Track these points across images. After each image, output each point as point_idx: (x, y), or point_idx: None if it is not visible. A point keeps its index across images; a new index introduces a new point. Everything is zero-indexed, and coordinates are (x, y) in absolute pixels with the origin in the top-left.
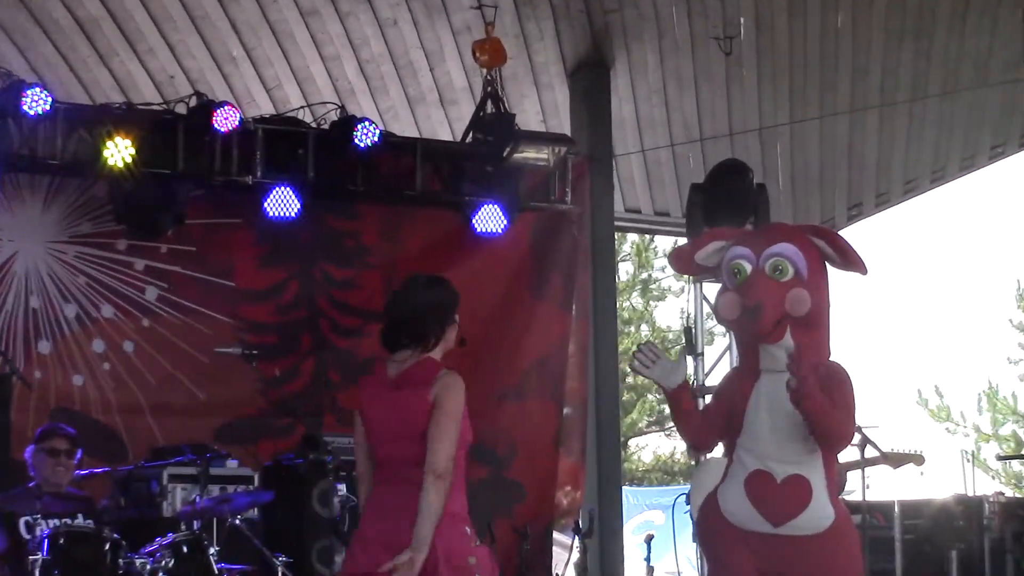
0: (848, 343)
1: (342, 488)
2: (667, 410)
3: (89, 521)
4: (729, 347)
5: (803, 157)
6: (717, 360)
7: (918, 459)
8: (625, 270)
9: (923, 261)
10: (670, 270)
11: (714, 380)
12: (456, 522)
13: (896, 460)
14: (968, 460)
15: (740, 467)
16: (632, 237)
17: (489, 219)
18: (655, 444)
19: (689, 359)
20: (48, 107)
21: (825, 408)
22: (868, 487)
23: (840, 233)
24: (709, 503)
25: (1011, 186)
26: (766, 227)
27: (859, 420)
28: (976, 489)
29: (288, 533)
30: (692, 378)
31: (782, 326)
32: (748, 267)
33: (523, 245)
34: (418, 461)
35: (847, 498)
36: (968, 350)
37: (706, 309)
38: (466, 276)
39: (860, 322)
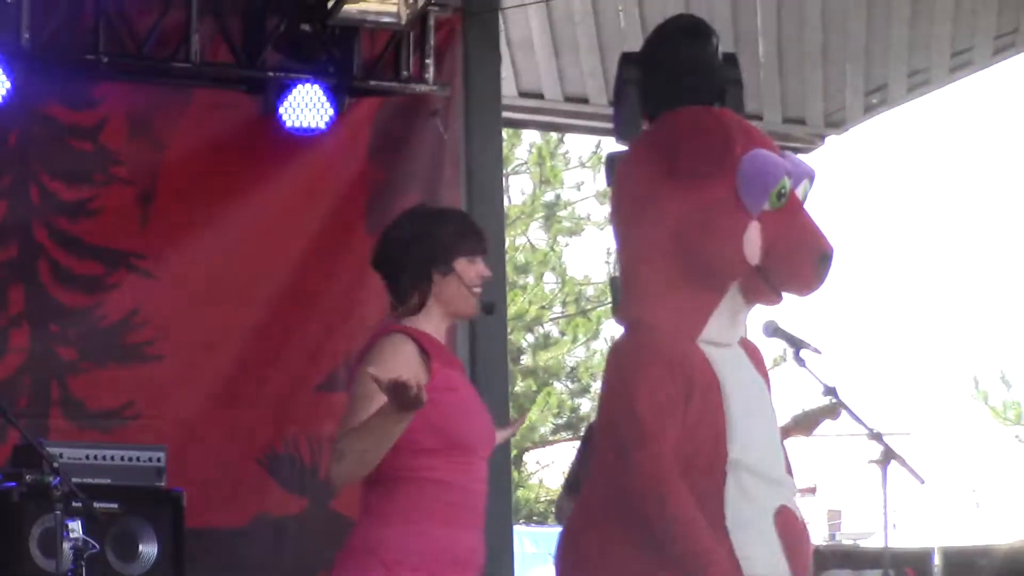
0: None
1: (76, 527)
2: (583, 407)
3: None
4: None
5: (796, 10)
6: None
7: (830, 411)
8: (520, 188)
9: (980, 178)
10: (588, 187)
11: None
12: (360, 558)
13: (806, 425)
14: None
15: (752, 502)
16: (531, 135)
17: (306, 108)
18: (566, 459)
19: (616, 327)
20: None
21: None
22: (894, 527)
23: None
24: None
25: None
26: (742, 120)
27: (880, 425)
28: None
29: None
30: None
31: None
32: (789, 188)
33: (359, 149)
34: None
35: (863, 545)
36: None
37: None
38: (268, 198)
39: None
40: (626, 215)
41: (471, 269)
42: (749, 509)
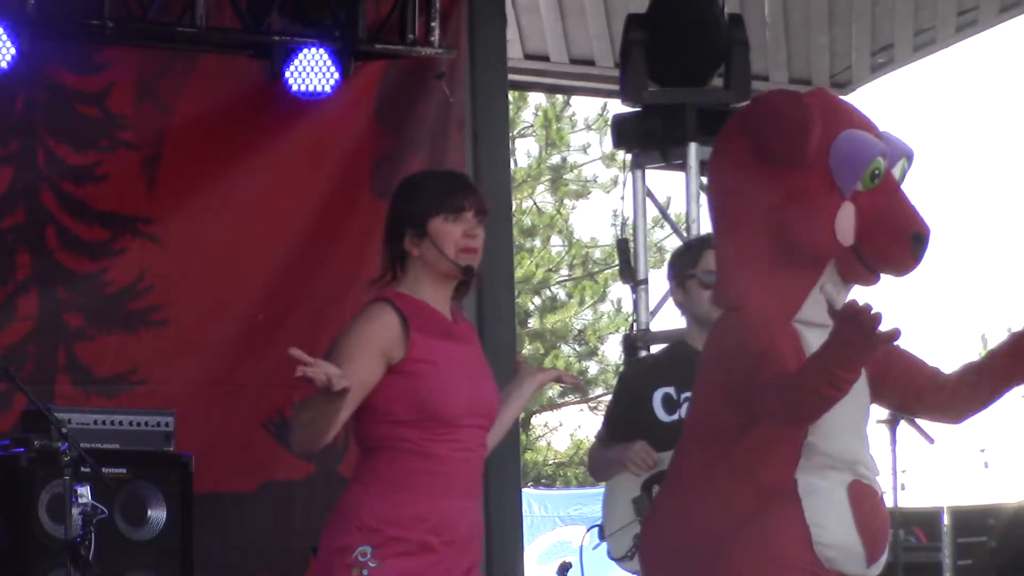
0: None
1: (85, 492)
2: (591, 369)
3: None
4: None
5: None
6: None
7: None
8: (526, 151)
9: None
10: (594, 150)
11: (665, 323)
12: (340, 520)
13: None
14: None
15: (825, 479)
16: (536, 98)
17: (311, 72)
18: (574, 422)
19: (625, 290)
20: None
21: None
22: (903, 487)
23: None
24: (773, 528)
25: None
26: (834, 98)
27: None
28: None
29: (1, 560)
30: (631, 319)
31: None
32: (884, 168)
33: (364, 113)
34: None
35: None
36: None
37: (651, 210)
38: (275, 162)
39: None
40: (720, 196)
41: (451, 229)
42: (821, 483)
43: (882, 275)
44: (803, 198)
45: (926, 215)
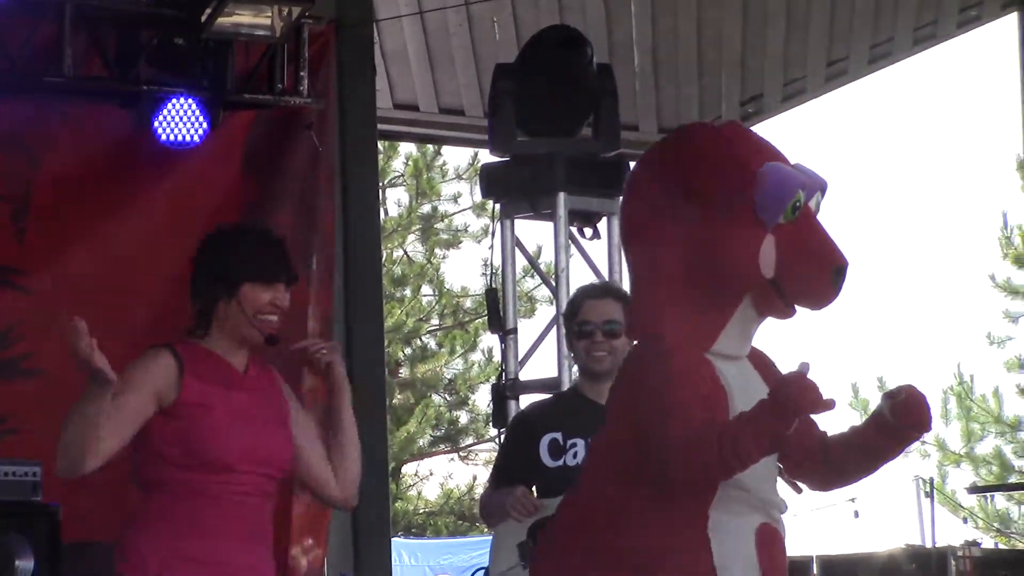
0: None
1: None
2: (461, 419)
3: None
4: (556, 321)
5: (671, 21)
6: (538, 339)
7: None
8: (396, 200)
9: (855, 186)
10: (465, 200)
11: (535, 371)
12: (117, 557)
13: None
14: (927, 493)
15: (737, 517)
16: (407, 148)
17: (179, 121)
18: (444, 471)
19: (494, 339)
20: None
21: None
22: None
23: None
24: (679, 570)
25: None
26: (752, 134)
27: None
28: (938, 537)
29: None
30: (500, 368)
31: None
32: (803, 201)
33: (232, 162)
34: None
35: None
36: (929, 324)
37: (519, 261)
38: (144, 212)
39: None
40: (637, 229)
41: (259, 296)
42: (731, 521)
43: (797, 308)
44: (726, 229)
45: (844, 247)
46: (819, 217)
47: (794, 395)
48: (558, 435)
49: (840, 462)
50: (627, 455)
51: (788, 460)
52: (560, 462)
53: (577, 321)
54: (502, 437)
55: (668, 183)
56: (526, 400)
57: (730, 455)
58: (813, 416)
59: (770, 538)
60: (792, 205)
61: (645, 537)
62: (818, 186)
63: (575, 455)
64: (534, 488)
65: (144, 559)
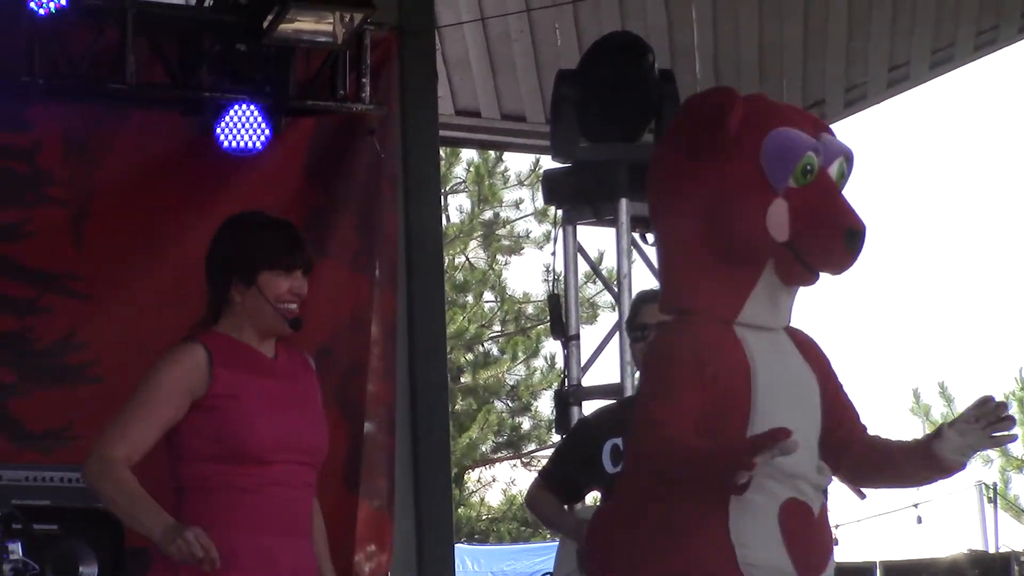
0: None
1: (16, 549)
2: (524, 425)
3: None
4: (618, 327)
5: (732, 26)
6: (600, 345)
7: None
8: (458, 206)
9: (919, 190)
10: (527, 206)
11: (598, 377)
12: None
13: None
14: (989, 499)
15: (760, 492)
16: (468, 154)
17: (241, 128)
18: (507, 477)
19: (557, 346)
20: None
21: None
22: (836, 542)
23: None
24: (697, 547)
25: None
26: (762, 96)
27: None
28: (1001, 542)
29: None
30: (563, 375)
31: None
32: (817, 165)
33: (295, 169)
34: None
35: None
36: (991, 329)
37: (582, 267)
38: (205, 219)
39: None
40: (658, 200)
41: (278, 284)
42: (754, 498)
43: (821, 274)
44: (735, 194)
45: (863, 213)
46: (845, 186)
47: (737, 453)
48: (619, 441)
49: (877, 469)
50: None
51: (823, 447)
52: (620, 468)
53: (635, 325)
54: (567, 435)
55: (682, 151)
56: (589, 406)
57: (681, 477)
58: (857, 410)
59: (797, 514)
60: (802, 168)
61: (670, 517)
62: (839, 153)
63: None
64: (594, 493)
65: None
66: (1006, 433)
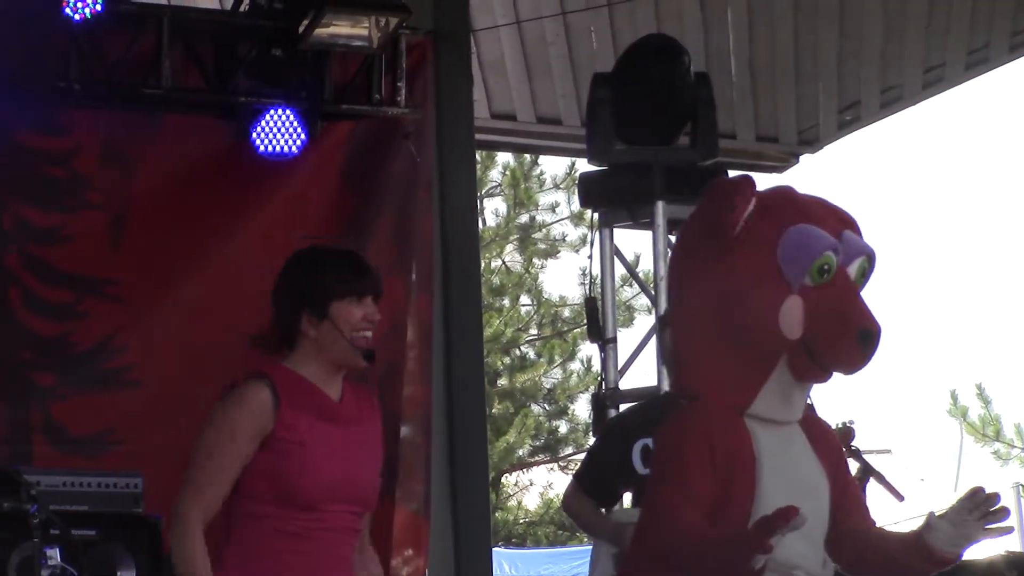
0: None
1: (54, 554)
2: (561, 428)
3: None
4: (655, 330)
5: (768, 30)
6: (637, 348)
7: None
8: (494, 210)
9: (957, 193)
10: (563, 209)
11: (634, 381)
12: None
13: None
14: None
15: None
16: (504, 158)
17: (278, 132)
18: (544, 481)
19: (593, 349)
20: None
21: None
22: None
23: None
24: None
25: None
26: (789, 189)
27: (859, 442)
28: None
29: None
30: (600, 378)
31: None
32: (835, 264)
33: (331, 173)
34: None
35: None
36: None
37: (619, 269)
38: (242, 223)
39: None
40: (676, 281)
41: (352, 312)
42: None
43: (833, 373)
44: (750, 288)
45: (879, 312)
46: (865, 285)
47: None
48: (649, 441)
49: (872, 560)
50: None
51: (829, 541)
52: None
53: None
54: (599, 436)
55: (704, 235)
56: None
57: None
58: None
59: None
60: (819, 267)
61: None
62: (860, 253)
63: None
64: (626, 495)
65: None
66: (1001, 525)
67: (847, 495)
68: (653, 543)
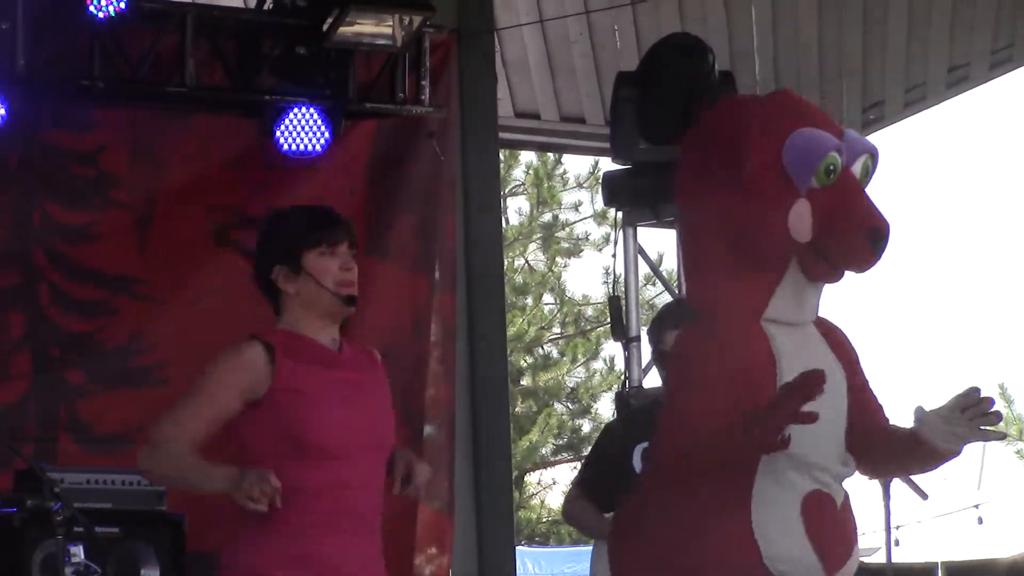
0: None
1: (78, 551)
2: (584, 427)
3: None
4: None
5: (792, 29)
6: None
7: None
8: (517, 209)
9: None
10: (586, 208)
11: (657, 379)
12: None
13: None
14: None
15: (782, 485)
16: (527, 157)
17: (302, 131)
18: (567, 479)
19: (617, 347)
20: None
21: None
22: (897, 543)
23: None
24: (721, 541)
25: None
26: (786, 93)
27: None
28: None
29: None
30: (624, 376)
31: None
32: (840, 164)
33: (356, 172)
34: None
35: (867, 561)
36: None
37: (642, 268)
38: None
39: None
40: (683, 200)
41: (327, 263)
42: (776, 491)
43: (845, 271)
44: (757, 196)
45: (887, 213)
46: (869, 183)
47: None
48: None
49: (888, 457)
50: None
51: (848, 438)
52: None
53: (659, 350)
54: (597, 440)
55: (707, 151)
56: None
57: (741, 443)
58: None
59: (821, 505)
60: (824, 168)
61: (693, 512)
62: (863, 151)
63: None
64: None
65: (240, 566)
66: (993, 429)
67: (864, 391)
68: (676, 445)
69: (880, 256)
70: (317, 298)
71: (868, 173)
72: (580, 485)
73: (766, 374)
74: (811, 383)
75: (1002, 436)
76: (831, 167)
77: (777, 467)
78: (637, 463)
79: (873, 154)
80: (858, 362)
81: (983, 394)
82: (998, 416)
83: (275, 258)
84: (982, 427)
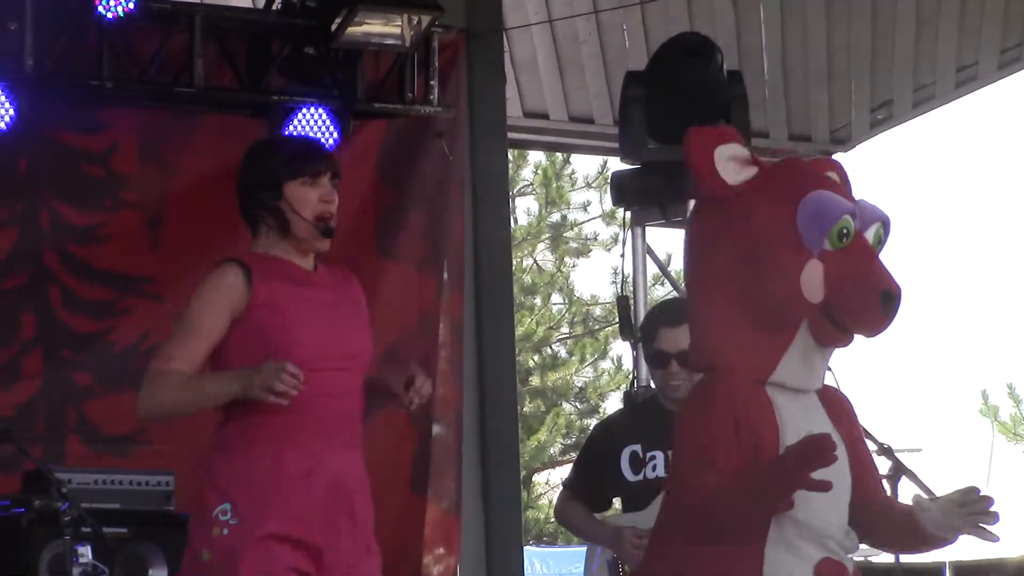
0: None
1: (85, 552)
2: (592, 427)
3: None
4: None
5: (800, 27)
6: None
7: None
8: (526, 209)
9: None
10: (594, 208)
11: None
12: (204, 481)
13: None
14: None
15: (793, 552)
16: (536, 156)
17: (310, 131)
18: None
19: (625, 347)
20: None
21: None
22: None
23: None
24: None
25: None
26: (798, 159)
27: (891, 440)
28: None
29: None
30: (632, 376)
31: None
32: (854, 228)
33: (364, 172)
34: None
35: (875, 561)
36: None
37: (651, 267)
38: None
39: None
40: (693, 255)
41: (307, 194)
42: (788, 558)
43: (854, 335)
44: (770, 254)
45: (899, 277)
46: (881, 251)
47: (791, 459)
48: (638, 447)
49: (886, 532)
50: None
51: (851, 506)
52: (640, 476)
53: (652, 349)
54: (584, 444)
55: (722, 207)
56: None
57: (756, 502)
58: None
59: (832, 572)
60: (838, 231)
61: (701, 568)
62: (876, 219)
63: (654, 467)
64: (616, 501)
65: (225, 481)
66: (989, 529)
67: (863, 463)
68: (685, 506)
69: (891, 319)
70: (295, 227)
71: (880, 241)
72: (570, 487)
73: (771, 445)
74: (828, 447)
75: (996, 538)
76: (844, 230)
77: (786, 534)
78: (626, 467)
79: (885, 222)
80: (861, 439)
81: (982, 492)
82: (996, 517)
83: (257, 187)
84: (980, 524)
